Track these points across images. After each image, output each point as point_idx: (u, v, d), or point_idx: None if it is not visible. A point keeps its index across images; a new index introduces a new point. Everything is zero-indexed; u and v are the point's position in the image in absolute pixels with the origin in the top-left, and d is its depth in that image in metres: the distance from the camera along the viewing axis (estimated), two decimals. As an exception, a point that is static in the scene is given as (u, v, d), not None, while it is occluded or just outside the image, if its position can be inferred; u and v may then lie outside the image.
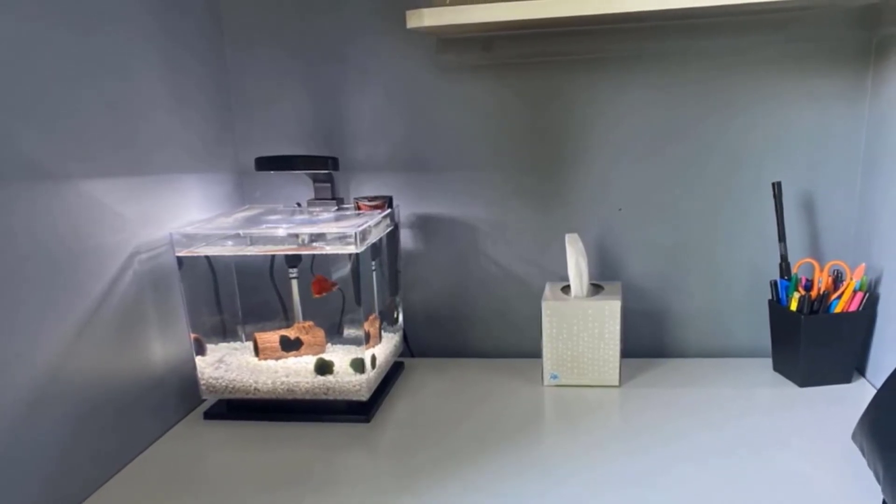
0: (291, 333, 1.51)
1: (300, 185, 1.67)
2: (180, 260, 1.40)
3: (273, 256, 1.52)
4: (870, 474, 0.97)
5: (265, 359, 1.49)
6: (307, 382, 1.43)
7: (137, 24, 1.32)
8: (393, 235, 1.62)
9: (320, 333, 1.52)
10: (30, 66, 1.05)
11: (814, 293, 1.42)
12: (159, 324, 1.38)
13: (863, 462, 0.97)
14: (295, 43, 1.61)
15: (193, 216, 1.50)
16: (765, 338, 1.58)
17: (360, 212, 1.53)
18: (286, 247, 1.40)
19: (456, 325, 1.72)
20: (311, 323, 1.53)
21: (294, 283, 1.52)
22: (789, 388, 1.44)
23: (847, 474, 1.09)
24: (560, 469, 1.17)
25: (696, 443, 1.24)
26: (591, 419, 1.36)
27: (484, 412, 1.42)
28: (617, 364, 1.49)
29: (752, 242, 1.57)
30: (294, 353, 1.50)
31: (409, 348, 1.74)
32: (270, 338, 1.50)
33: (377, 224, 1.45)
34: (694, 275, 1.61)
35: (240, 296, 1.61)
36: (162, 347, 1.39)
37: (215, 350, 1.51)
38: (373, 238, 1.43)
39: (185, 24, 1.49)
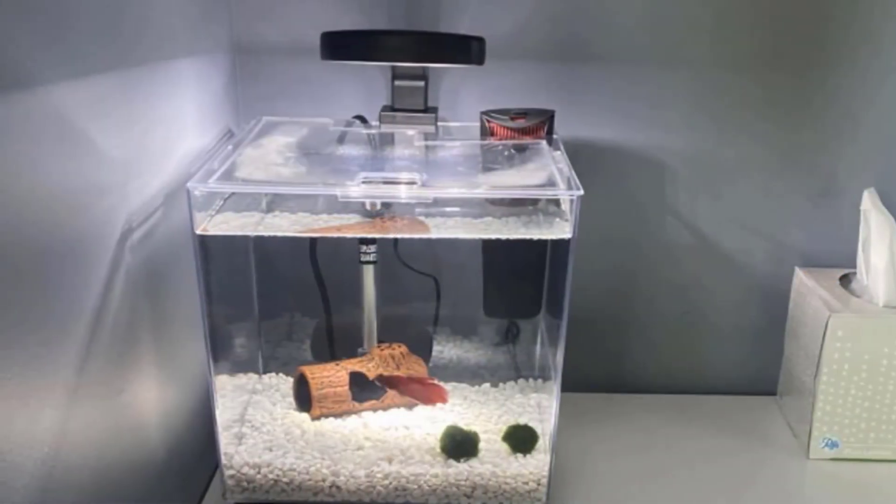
0: (368, 366, 0.86)
1: (334, 77, 0.95)
2: (203, 242, 0.72)
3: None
4: None
5: (323, 415, 0.85)
6: (433, 476, 0.78)
7: None
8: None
9: (418, 366, 0.89)
10: None
11: None
12: (158, 359, 0.73)
13: None
14: None
15: (191, 144, 0.81)
16: None
17: (497, 141, 0.86)
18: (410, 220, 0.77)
19: (617, 336, 1.07)
20: (401, 346, 0.88)
21: (369, 272, 0.86)
22: None
23: None
24: None
25: None
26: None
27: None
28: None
29: None
30: (372, 402, 0.86)
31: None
32: (331, 375, 0.85)
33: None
34: None
35: (257, 295, 0.94)
36: (160, 403, 0.75)
37: (226, 394, 0.84)
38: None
39: None
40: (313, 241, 0.89)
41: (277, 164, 0.77)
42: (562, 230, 0.74)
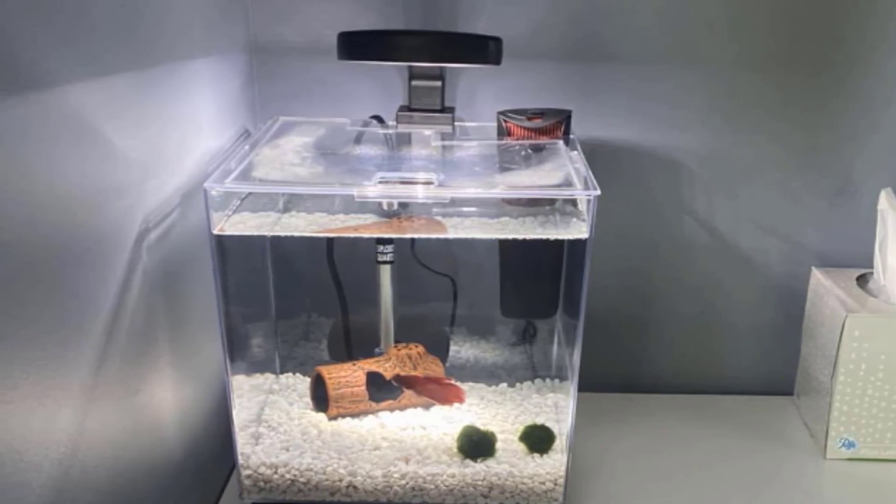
0: (385, 366, 0.84)
1: (351, 77, 0.94)
2: (220, 243, 0.70)
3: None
4: None
5: (340, 415, 0.83)
6: (450, 476, 0.77)
7: None
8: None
9: (435, 366, 0.87)
10: None
11: None
12: (174, 359, 0.72)
13: None
14: None
15: (207, 144, 0.79)
16: None
17: (514, 141, 0.85)
18: (428, 221, 0.74)
19: (634, 336, 1.05)
20: (418, 346, 0.87)
21: (386, 272, 0.85)
22: None
23: None
24: None
25: None
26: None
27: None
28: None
29: None
30: (389, 402, 0.84)
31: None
32: (348, 375, 0.83)
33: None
34: None
35: (274, 295, 0.93)
36: (177, 403, 0.73)
37: (243, 394, 0.83)
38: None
39: None
40: (330, 241, 0.88)
41: (294, 165, 0.76)
42: (578, 230, 0.73)
